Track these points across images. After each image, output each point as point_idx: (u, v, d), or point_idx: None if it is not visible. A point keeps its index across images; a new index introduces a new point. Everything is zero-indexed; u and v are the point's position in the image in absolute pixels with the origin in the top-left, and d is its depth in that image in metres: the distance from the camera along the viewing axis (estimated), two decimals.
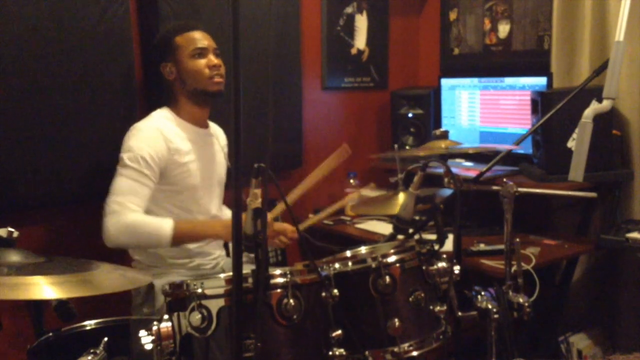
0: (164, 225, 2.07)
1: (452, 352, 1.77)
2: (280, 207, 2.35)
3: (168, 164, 2.20)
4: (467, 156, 3.14)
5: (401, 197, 2.05)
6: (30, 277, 1.31)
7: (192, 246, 2.31)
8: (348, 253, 1.80)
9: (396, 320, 1.56)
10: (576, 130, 1.65)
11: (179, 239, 2.11)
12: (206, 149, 2.36)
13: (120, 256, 2.48)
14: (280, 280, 1.46)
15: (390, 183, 2.23)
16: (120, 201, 2.07)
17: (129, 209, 2.06)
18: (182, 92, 2.30)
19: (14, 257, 1.48)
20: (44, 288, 1.27)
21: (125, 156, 2.14)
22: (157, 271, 2.29)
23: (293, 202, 2.28)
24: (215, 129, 2.49)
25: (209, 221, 2.32)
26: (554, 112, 2.32)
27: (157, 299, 2.22)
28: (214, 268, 2.40)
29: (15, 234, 1.60)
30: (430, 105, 3.29)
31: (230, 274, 1.27)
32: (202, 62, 2.25)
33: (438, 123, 3.29)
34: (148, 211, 2.18)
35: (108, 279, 1.48)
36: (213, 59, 2.27)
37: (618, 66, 1.61)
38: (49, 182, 2.31)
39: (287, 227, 2.29)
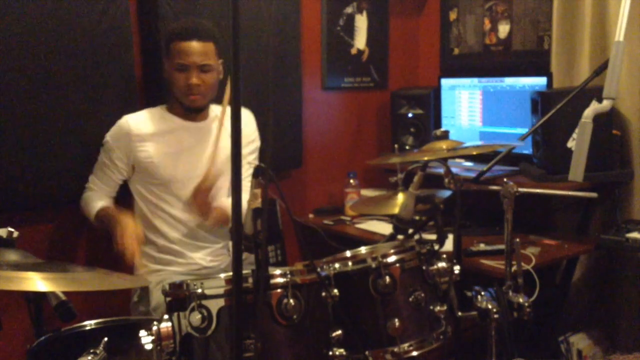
0: (95, 206, 2.31)
1: (452, 352, 1.77)
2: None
3: (136, 157, 2.29)
4: (467, 156, 3.14)
5: (401, 197, 2.05)
6: (25, 273, 1.35)
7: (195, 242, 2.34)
8: (348, 253, 1.80)
9: (396, 320, 1.56)
10: (576, 130, 1.65)
11: (100, 222, 2.29)
12: (195, 142, 2.36)
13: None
14: (280, 280, 1.46)
15: (390, 183, 2.23)
16: (89, 179, 2.38)
17: (88, 188, 2.37)
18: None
19: (13, 256, 1.49)
20: (37, 282, 1.32)
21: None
22: (154, 269, 2.30)
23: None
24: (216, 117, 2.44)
25: (117, 217, 2.20)
26: (554, 112, 2.32)
27: (152, 298, 2.22)
28: (212, 270, 2.40)
29: (15, 234, 1.60)
30: (430, 105, 3.29)
31: (230, 274, 1.27)
32: (182, 77, 2.25)
33: (438, 123, 3.29)
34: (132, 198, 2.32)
35: (100, 278, 1.50)
36: (193, 77, 2.23)
37: (618, 66, 1.61)
38: (49, 182, 2.31)
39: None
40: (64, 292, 1.67)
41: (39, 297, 1.72)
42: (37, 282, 1.31)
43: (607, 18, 2.64)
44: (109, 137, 2.32)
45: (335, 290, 1.52)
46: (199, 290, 1.43)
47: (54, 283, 1.36)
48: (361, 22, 3.37)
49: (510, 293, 1.76)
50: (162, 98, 2.41)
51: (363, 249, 1.86)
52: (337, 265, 1.60)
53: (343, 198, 3.21)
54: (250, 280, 1.40)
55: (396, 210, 1.91)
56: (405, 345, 1.57)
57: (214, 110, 2.43)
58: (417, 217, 1.92)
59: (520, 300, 1.73)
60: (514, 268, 1.79)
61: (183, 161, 2.32)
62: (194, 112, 2.35)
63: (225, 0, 2.62)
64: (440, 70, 3.54)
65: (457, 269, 1.70)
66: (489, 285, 1.79)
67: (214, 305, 1.43)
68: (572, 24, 2.77)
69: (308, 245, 1.55)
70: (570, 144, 2.46)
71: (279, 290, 1.45)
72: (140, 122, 2.32)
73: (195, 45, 2.24)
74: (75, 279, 1.43)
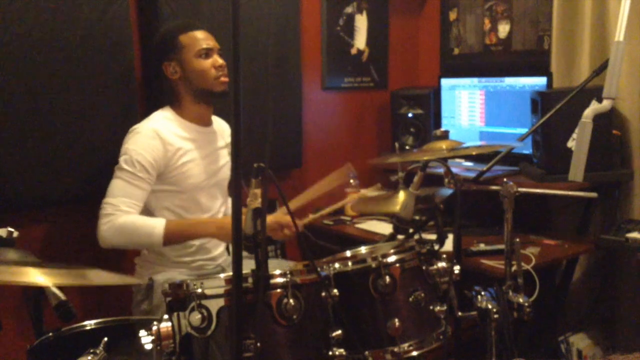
0: (156, 225, 2.10)
1: (452, 352, 1.77)
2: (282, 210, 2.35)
3: (167, 166, 2.20)
4: (467, 156, 3.14)
5: (401, 196, 2.05)
6: (24, 268, 1.31)
7: (196, 244, 2.32)
8: (348, 253, 1.80)
9: (396, 320, 1.56)
10: (576, 130, 1.65)
11: (171, 239, 2.13)
12: (208, 147, 2.36)
13: (122, 252, 2.48)
14: (280, 280, 1.46)
15: (390, 182, 2.23)
16: (113, 203, 2.10)
17: (122, 211, 2.10)
18: (186, 91, 2.29)
19: (13, 255, 1.49)
20: (36, 276, 1.27)
21: (121, 159, 2.16)
22: (159, 269, 2.30)
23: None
24: (219, 124, 2.48)
25: (203, 221, 2.30)
26: (554, 112, 2.32)
27: (156, 295, 2.22)
28: (215, 269, 2.40)
29: (15, 234, 1.60)
30: (430, 105, 3.29)
31: (230, 273, 1.27)
32: (208, 62, 2.26)
33: (438, 123, 3.29)
34: (148, 212, 2.21)
35: (100, 275, 1.48)
36: (218, 59, 2.27)
37: (618, 66, 1.61)
38: (49, 182, 2.31)
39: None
40: (64, 292, 1.67)
41: (38, 297, 1.72)
42: (36, 276, 1.28)
43: (607, 18, 2.64)
44: (138, 149, 2.15)
45: (335, 290, 1.52)
46: (199, 290, 1.43)
47: (52, 277, 1.33)
48: (361, 22, 3.37)
49: (510, 293, 1.76)
50: (163, 98, 2.41)
51: (363, 249, 1.86)
52: (337, 265, 1.60)
53: (343, 198, 3.20)
54: (250, 280, 1.40)
55: (396, 210, 1.91)
56: (405, 345, 1.57)
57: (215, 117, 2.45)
58: (417, 217, 1.92)
59: (520, 300, 1.73)
60: (514, 268, 1.79)
61: (205, 168, 2.32)
62: (222, 97, 2.30)
63: (226, 0, 2.62)
64: (440, 70, 3.54)
65: (457, 269, 1.70)
66: (489, 285, 1.79)
67: (214, 305, 1.43)
68: (572, 24, 2.77)
69: (308, 246, 1.56)
70: (570, 144, 2.46)
71: (278, 291, 1.45)
72: (167, 127, 2.23)
73: (205, 32, 2.29)
74: (73, 274, 1.40)
